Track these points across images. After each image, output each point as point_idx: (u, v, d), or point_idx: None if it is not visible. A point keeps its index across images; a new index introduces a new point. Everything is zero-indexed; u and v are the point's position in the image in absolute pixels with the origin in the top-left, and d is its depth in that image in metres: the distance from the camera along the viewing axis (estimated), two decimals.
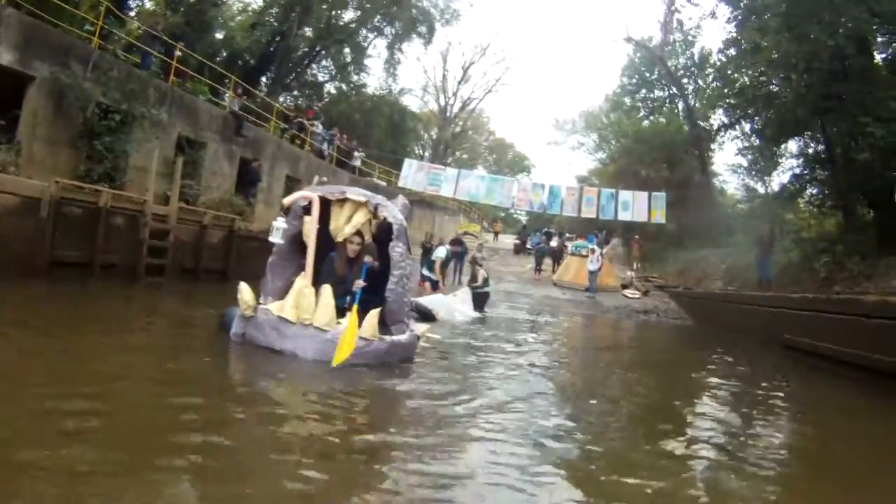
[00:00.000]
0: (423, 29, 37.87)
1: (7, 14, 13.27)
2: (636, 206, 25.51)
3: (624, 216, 25.82)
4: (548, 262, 28.52)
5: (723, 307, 17.77)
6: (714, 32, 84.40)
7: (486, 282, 15.83)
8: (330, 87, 40.75)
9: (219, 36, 32.09)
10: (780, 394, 8.41)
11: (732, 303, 17.30)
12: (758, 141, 24.56)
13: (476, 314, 14.02)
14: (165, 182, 16.16)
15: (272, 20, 33.54)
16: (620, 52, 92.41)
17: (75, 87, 14.03)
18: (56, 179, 12.68)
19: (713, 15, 24.41)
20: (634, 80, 38.66)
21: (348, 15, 36.45)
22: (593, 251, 24.19)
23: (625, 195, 26.04)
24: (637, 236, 31.60)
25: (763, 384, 8.97)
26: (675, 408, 7.06)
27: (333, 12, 35.01)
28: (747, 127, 24.76)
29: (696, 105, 35.45)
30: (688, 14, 34.27)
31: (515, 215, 68.63)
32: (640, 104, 39.29)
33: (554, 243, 30.96)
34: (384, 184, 31.56)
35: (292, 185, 22.96)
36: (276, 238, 7.16)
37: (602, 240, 29.52)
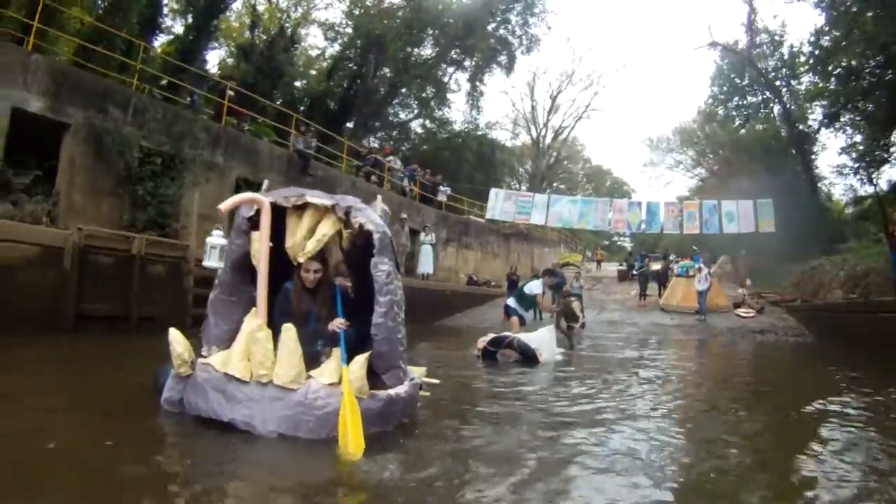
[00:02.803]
0: (503, 58, 35.92)
1: (34, 60, 12.49)
2: (741, 216, 22.81)
3: (730, 228, 23.10)
4: (653, 286, 25.78)
5: (849, 318, 15.69)
6: (802, 28, 78.95)
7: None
8: (415, 127, 39.73)
9: (298, 84, 31.80)
10: None
11: (860, 312, 15.12)
12: (867, 128, 21.99)
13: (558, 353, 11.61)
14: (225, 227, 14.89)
15: (350, 64, 32.82)
16: (707, 61, 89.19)
17: (113, 132, 13.09)
18: (79, 227, 11.31)
19: None
20: (725, 88, 36.13)
21: (426, 51, 35.16)
22: (700, 270, 21.46)
23: (728, 205, 23.36)
24: (744, 251, 28.57)
25: None
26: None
27: (410, 49, 33.67)
28: (850, 118, 22.45)
29: (792, 107, 32.79)
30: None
31: (619, 243, 65.78)
32: (733, 113, 36.62)
33: (657, 266, 28.15)
34: (481, 220, 29.74)
35: None
36: (211, 261, 5.32)
37: (710, 258, 26.63)
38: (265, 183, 5.52)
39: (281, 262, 5.04)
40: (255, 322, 4.74)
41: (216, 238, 5.14)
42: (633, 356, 12.18)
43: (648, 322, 20.69)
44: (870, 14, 16.69)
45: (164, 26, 23.63)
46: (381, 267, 4.94)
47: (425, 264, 21.81)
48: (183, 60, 19.41)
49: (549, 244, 38.83)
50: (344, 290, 5.26)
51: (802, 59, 29.16)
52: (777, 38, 33.19)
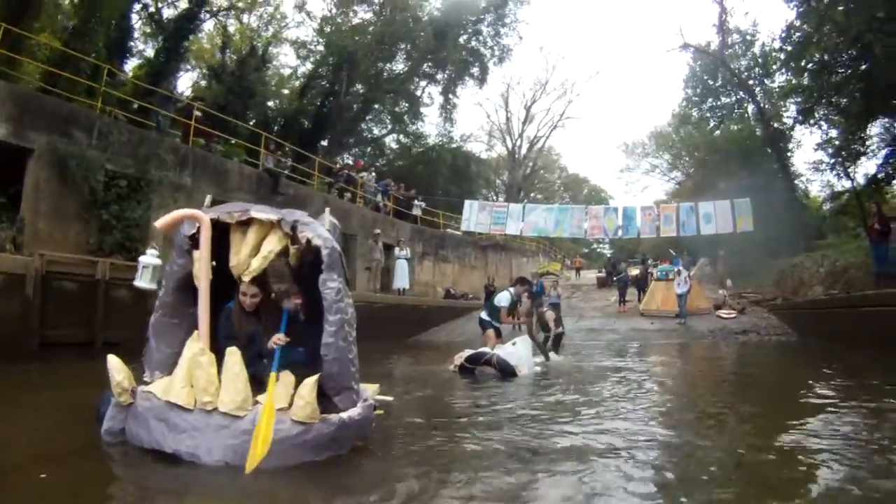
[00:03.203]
0: (475, 70, 35.81)
1: None
2: (719, 216, 22.85)
3: (707, 230, 23.09)
4: (633, 292, 25.48)
5: (831, 314, 15.59)
6: (773, 25, 79.36)
7: (557, 323, 13.47)
8: (390, 142, 39.63)
9: (271, 104, 31.71)
10: None
11: (842, 308, 15.02)
12: (843, 122, 22.02)
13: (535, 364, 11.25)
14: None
15: (323, 81, 32.53)
16: (680, 63, 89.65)
17: (77, 156, 12.78)
18: (41, 253, 10.96)
19: None
20: (698, 90, 36.15)
21: (398, 66, 35.02)
22: (679, 273, 21.28)
23: (705, 206, 23.43)
24: (721, 251, 28.46)
25: None
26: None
27: (382, 65, 33.59)
28: (824, 113, 22.51)
29: (766, 106, 32.76)
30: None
31: (599, 250, 65.72)
32: (708, 114, 36.67)
33: (636, 271, 27.97)
34: (458, 233, 29.62)
35: (345, 242, 21.14)
36: (142, 281, 4.98)
37: (689, 261, 26.47)
38: (207, 199, 5.24)
39: (226, 282, 4.76)
40: (196, 346, 4.46)
41: (149, 257, 4.80)
42: (611, 365, 11.86)
43: (629, 328, 20.48)
44: (840, 7, 16.62)
45: (134, 50, 23.67)
46: (330, 284, 4.62)
47: (401, 279, 21.51)
48: (153, 83, 19.05)
49: (528, 254, 38.80)
50: (295, 311, 4.98)
51: (774, 55, 29.19)
52: (749, 37, 33.47)
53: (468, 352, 10.34)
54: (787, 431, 5.37)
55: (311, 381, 4.29)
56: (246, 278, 4.68)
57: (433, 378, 10.06)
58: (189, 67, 29.87)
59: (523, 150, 53.20)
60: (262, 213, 4.69)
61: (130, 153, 14.01)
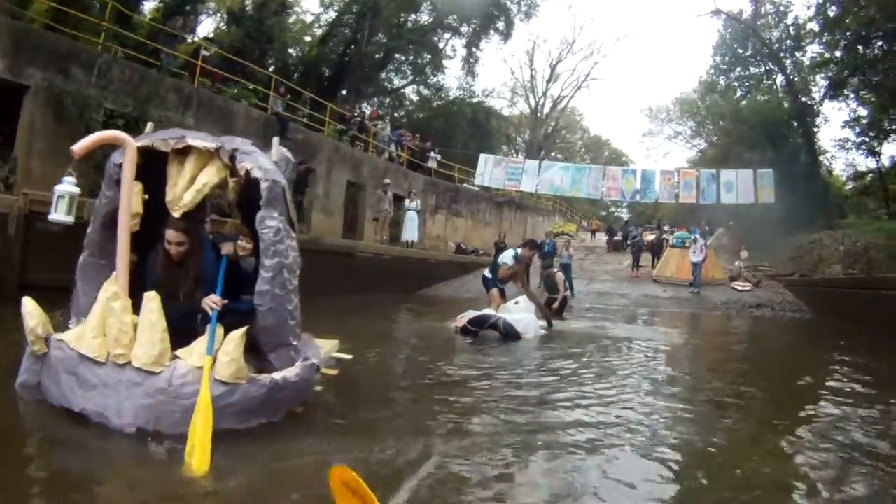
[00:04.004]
0: (500, 24, 34.71)
1: None
2: (741, 186, 21.84)
3: (728, 198, 22.15)
4: (647, 257, 24.69)
5: (850, 295, 15.05)
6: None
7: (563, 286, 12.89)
8: (410, 93, 38.58)
9: (292, 51, 30.94)
10: None
11: (862, 289, 14.55)
12: (875, 98, 21.11)
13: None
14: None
15: (345, 29, 31.50)
16: (710, 30, 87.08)
17: (73, 94, 12.13)
18: (25, 191, 10.42)
19: None
20: (727, 58, 35.42)
21: (423, 17, 33.97)
22: (696, 241, 20.52)
23: (727, 175, 22.42)
24: (731, 223, 27.75)
25: None
26: None
27: (405, 15, 32.58)
28: (855, 90, 21.59)
29: (796, 79, 31.89)
30: None
31: (616, 213, 64.61)
32: (735, 83, 35.88)
33: (651, 236, 27.19)
34: (473, 188, 28.68)
35: (355, 191, 20.90)
36: (59, 214, 4.41)
37: (706, 231, 25.64)
38: (149, 126, 4.64)
39: (161, 217, 4.16)
40: (111, 289, 3.85)
41: (66, 186, 4.21)
42: (619, 334, 11.07)
43: (640, 294, 19.79)
44: None
45: None
46: (269, 223, 4.04)
47: (410, 231, 20.89)
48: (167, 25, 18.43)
49: (543, 213, 37.79)
50: (235, 257, 4.39)
51: (808, 28, 28.18)
52: (783, 7, 32.57)
53: (472, 313, 9.76)
54: (798, 426, 4.82)
55: (237, 335, 3.71)
56: (176, 214, 4.07)
57: (429, 337, 9.59)
58: (210, 11, 28.76)
59: (546, 109, 52.11)
60: (199, 140, 4.15)
61: (130, 92, 13.39)
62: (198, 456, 3.15)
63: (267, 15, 25.56)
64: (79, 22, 14.46)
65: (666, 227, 30.02)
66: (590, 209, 53.84)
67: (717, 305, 18.19)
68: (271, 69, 24.34)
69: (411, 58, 35.22)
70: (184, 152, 4.15)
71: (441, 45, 35.66)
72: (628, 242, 28.03)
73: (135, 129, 13.09)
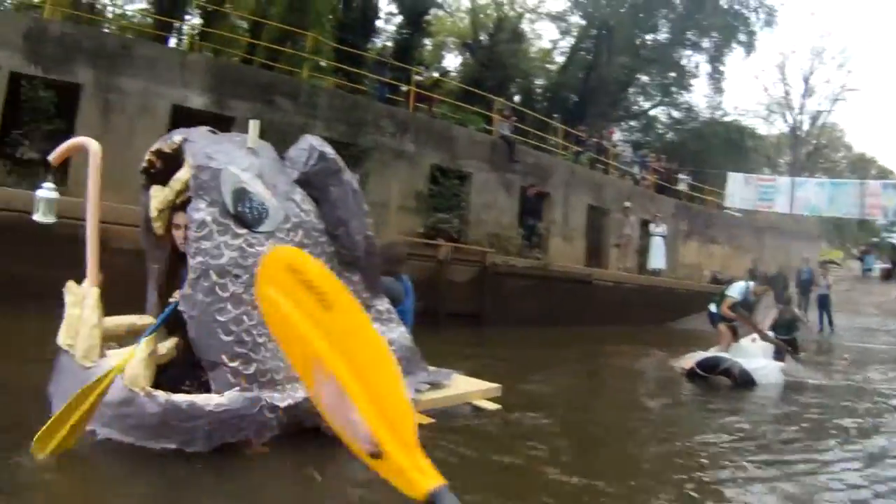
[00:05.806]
0: (741, 36, 32.11)
1: (190, 59, 12.80)
2: None
3: None
4: None
5: None
6: None
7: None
8: (660, 115, 36.78)
9: (538, 81, 31.36)
10: None
11: None
12: None
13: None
14: (420, 217, 14.51)
15: (585, 54, 30.89)
16: None
17: (277, 123, 12.25)
18: None
19: None
20: None
21: (661, 35, 32.32)
22: None
23: None
24: None
25: None
26: None
27: (642, 35, 31.40)
28: None
29: None
30: None
31: (889, 239, 56.59)
32: None
33: None
34: (738, 214, 26.09)
35: (597, 216, 19.52)
36: (40, 215, 4.24)
37: None
38: (251, 123, 4.61)
39: None
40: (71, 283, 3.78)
41: (45, 191, 3.97)
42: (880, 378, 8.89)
43: None
44: None
45: (378, 28, 23.68)
46: (195, 215, 3.51)
47: (656, 258, 19.07)
48: (397, 59, 18.81)
49: (808, 238, 33.09)
50: None
51: None
52: None
53: (701, 354, 8.36)
54: None
55: (150, 338, 3.42)
56: (153, 214, 3.99)
57: (647, 376, 8.56)
58: (440, 42, 30.01)
59: (805, 126, 48.14)
60: (179, 134, 3.97)
61: (342, 119, 13.71)
62: (40, 435, 3.07)
63: (498, 44, 25.55)
64: (289, 58, 15.70)
65: None
66: (861, 235, 47.32)
67: None
68: (516, 99, 24.81)
69: (657, 79, 33.78)
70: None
71: (683, 62, 33.82)
72: None
73: (343, 151, 12.87)
